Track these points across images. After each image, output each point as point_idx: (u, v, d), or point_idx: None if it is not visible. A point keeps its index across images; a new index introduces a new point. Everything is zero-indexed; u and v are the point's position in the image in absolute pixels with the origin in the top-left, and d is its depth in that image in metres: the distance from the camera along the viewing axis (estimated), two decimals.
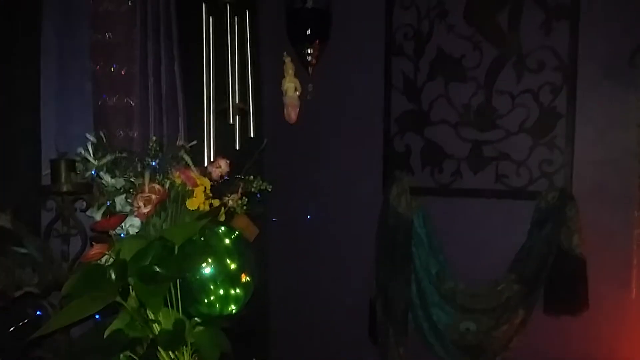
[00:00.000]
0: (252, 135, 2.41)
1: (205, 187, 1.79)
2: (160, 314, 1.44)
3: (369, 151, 2.73)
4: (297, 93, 2.50)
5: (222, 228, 1.74)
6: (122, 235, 1.57)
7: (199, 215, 1.70)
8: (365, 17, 2.72)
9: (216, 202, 1.84)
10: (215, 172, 1.89)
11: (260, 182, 1.99)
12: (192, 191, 1.76)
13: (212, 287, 1.64)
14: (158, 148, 1.82)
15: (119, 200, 1.68)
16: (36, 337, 1.32)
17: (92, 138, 1.77)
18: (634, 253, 2.23)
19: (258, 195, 2.01)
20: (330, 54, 2.68)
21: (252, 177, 1.98)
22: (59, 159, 1.79)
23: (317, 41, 2.59)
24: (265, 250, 2.94)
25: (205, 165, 2.06)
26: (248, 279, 1.72)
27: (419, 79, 2.61)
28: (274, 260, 2.99)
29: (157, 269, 1.36)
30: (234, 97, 2.33)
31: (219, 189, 1.92)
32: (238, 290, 1.69)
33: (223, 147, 2.32)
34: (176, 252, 1.49)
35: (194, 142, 1.99)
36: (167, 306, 1.50)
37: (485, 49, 2.46)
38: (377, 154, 2.71)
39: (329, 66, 2.70)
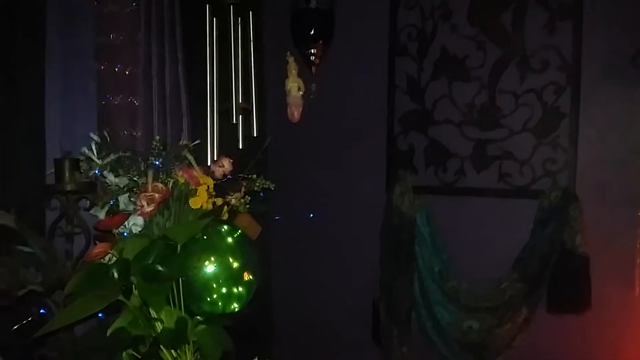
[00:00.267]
0: (255, 135, 2.42)
1: (208, 186, 1.80)
2: (163, 312, 1.45)
3: (372, 150, 2.73)
4: (301, 93, 2.51)
5: (225, 227, 1.75)
6: (125, 234, 1.58)
7: (202, 214, 1.71)
8: (369, 17, 2.72)
9: (219, 201, 1.85)
10: (219, 171, 1.91)
11: (263, 181, 2.00)
12: (195, 190, 1.77)
13: (214, 285, 1.65)
14: (161, 147, 1.83)
15: (123, 199, 1.69)
16: (40, 335, 1.33)
17: (96, 137, 1.79)
18: (637, 252, 2.22)
19: (261, 194, 2.02)
20: (334, 54, 2.69)
21: (255, 176, 1.99)
22: (63, 158, 1.81)
23: (321, 41, 2.60)
24: (268, 249, 2.95)
25: (209, 164, 2.07)
26: (250, 277, 1.73)
27: (422, 78, 2.61)
28: (276, 259, 3.00)
29: (160, 268, 1.37)
30: (237, 97, 2.34)
31: (222, 187, 1.93)
32: (240, 289, 1.70)
33: (226, 147, 2.34)
34: (179, 251, 1.50)
35: (197, 142, 2.00)
36: (170, 305, 1.52)
37: (489, 49, 2.46)
38: (380, 153, 2.71)
39: (333, 66, 2.71)
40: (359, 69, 2.75)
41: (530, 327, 2.35)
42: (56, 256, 1.67)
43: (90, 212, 1.79)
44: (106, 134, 1.86)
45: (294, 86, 2.45)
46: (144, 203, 1.60)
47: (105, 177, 1.73)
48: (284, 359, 3.02)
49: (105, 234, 1.59)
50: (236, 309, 1.71)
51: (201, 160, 2.09)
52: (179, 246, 1.50)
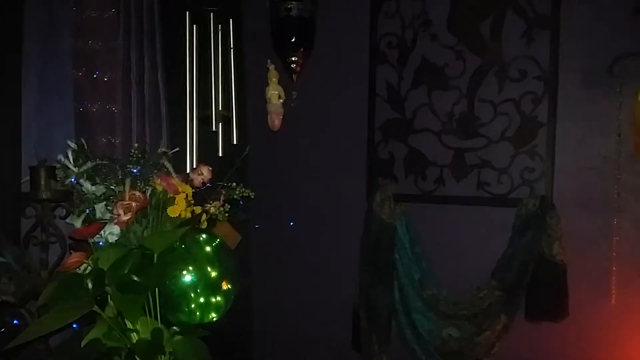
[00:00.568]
0: (235, 143, 2.41)
1: (186, 194, 1.79)
2: (139, 323, 1.43)
3: (353, 158, 2.74)
4: (281, 100, 2.50)
5: (203, 235, 1.74)
6: (100, 243, 1.57)
7: (180, 222, 1.70)
8: (350, 26, 2.74)
9: (198, 209, 1.84)
10: (197, 179, 1.89)
11: (243, 189, 1.99)
12: (174, 198, 1.76)
13: (192, 295, 1.65)
14: (140, 155, 1.82)
15: (99, 207, 1.68)
16: (14, 346, 1.30)
17: (72, 145, 1.77)
18: (614, 260, 2.25)
19: (241, 202, 2.02)
20: (315, 62, 2.69)
21: (234, 184, 1.98)
22: (38, 166, 1.79)
23: (302, 49, 2.60)
24: (249, 257, 2.94)
25: (188, 172, 2.06)
26: (229, 286, 1.72)
27: (402, 87, 2.63)
28: (257, 268, 2.99)
29: (136, 278, 1.36)
30: (217, 105, 2.33)
31: (201, 196, 1.92)
32: (219, 298, 1.69)
33: (206, 154, 2.32)
34: (155, 260, 1.48)
35: (177, 149, 1.99)
36: (146, 315, 1.50)
37: (468, 58, 2.48)
38: (360, 161, 2.72)
39: (314, 74, 2.71)
40: (339, 77, 2.75)
41: (509, 335, 2.36)
42: (30, 266, 1.64)
43: (66, 220, 1.77)
44: (83, 142, 1.84)
45: (274, 94, 2.45)
46: (121, 212, 1.59)
47: (81, 185, 1.71)
48: None
49: (80, 243, 1.57)
50: (214, 319, 1.70)
51: (181, 168, 2.08)
52: (155, 256, 1.48)
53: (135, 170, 1.77)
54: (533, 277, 2.29)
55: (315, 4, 2.42)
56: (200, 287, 1.65)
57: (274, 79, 2.46)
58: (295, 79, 2.64)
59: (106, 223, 1.58)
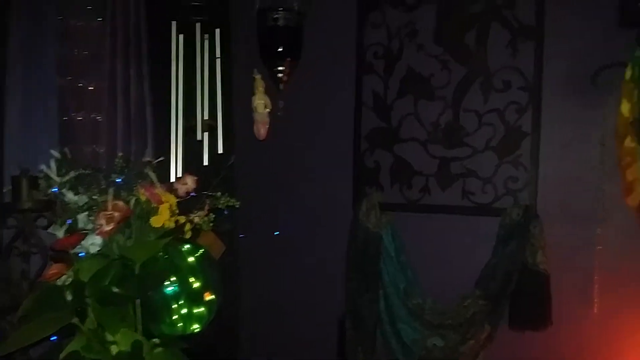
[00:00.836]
0: (220, 152, 2.41)
1: (170, 204, 1.78)
2: (119, 334, 1.42)
3: (339, 167, 2.74)
4: (267, 110, 2.50)
5: (187, 246, 1.73)
6: (82, 254, 1.56)
7: (164, 232, 1.69)
8: (337, 36, 2.75)
9: (182, 219, 1.83)
10: (182, 189, 1.88)
11: (228, 198, 1.98)
12: (157, 208, 1.75)
13: (174, 305, 1.63)
14: (124, 164, 1.81)
15: (82, 217, 1.66)
16: None
17: (56, 154, 1.76)
18: (596, 269, 2.27)
19: (225, 212, 2.01)
20: (302, 71, 2.70)
21: (219, 193, 1.98)
22: (20, 176, 1.78)
23: (289, 59, 2.60)
24: (235, 267, 2.93)
25: (172, 181, 2.05)
26: (212, 297, 1.71)
27: (388, 96, 2.64)
28: (244, 277, 2.98)
29: (116, 290, 1.35)
30: (202, 114, 2.33)
31: (186, 205, 1.91)
32: (202, 309, 1.68)
33: (192, 164, 2.32)
34: (137, 271, 1.48)
35: (161, 159, 1.98)
36: (127, 326, 1.49)
37: (453, 68, 2.51)
38: (347, 170, 2.73)
39: (301, 83, 2.72)
40: (326, 86, 2.77)
41: (493, 344, 2.38)
42: (10, 277, 1.63)
43: (49, 230, 1.76)
44: (67, 151, 1.83)
45: (260, 103, 2.45)
46: (103, 222, 1.57)
47: (64, 195, 1.70)
48: None
49: (61, 254, 1.56)
50: (197, 330, 1.69)
51: (166, 177, 2.07)
52: (137, 267, 1.47)
53: (118, 180, 1.75)
54: (517, 286, 2.31)
55: (302, 14, 2.43)
56: (183, 298, 1.63)
57: (260, 88, 2.46)
58: (282, 89, 2.64)
59: (87, 233, 1.57)
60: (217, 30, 2.32)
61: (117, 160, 1.80)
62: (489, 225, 2.40)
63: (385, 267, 2.53)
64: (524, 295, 2.29)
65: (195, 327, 1.66)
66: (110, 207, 1.62)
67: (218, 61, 2.36)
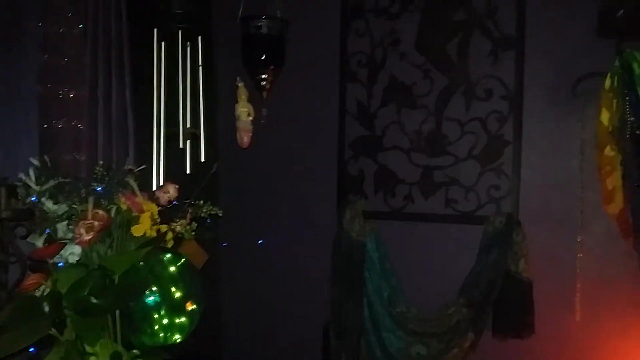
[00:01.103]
0: (203, 160, 2.40)
1: (152, 213, 1.76)
2: (98, 346, 1.40)
3: (322, 175, 2.75)
4: (250, 118, 2.49)
5: (168, 255, 1.71)
6: (60, 264, 1.53)
7: (145, 241, 1.67)
8: (320, 44, 2.76)
9: (164, 228, 1.81)
10: (163, 197, 1.87)
11: (210, 207, 1.97)
12: (139, 217, 1.73)
13: (155, 316, 1.61)
14: (104, 172, 1.79)
15: (61, 227, 1.64)
16: None
17: (35, 162, 1.73)
18: (578, 277, 2.29)
19: (208, 221, 1.99)
20: (285, 79, 2.69)
21: (201, 202, 1.96)
22: None
23: (272, 66, 2.60)
24: (218, 276, 2.91)
25: (154, 190, 2.03)
26: (194, 307, 1.70)
27: (372, 105, 2.66)
28: (227, 286, 2.96)
29: (95, 300, 1.33)
30: (184, 122, 2.32)
31: (168, 214, 1.89)
32: (183, 319, 1.66)
33: (174, 172, 2.30)
34: (116, 281, 1.46)
35: (143, 167, 1.96)
36: (108, 336, 1.47)
37: (436, 77, 2.53)
38: (331, 178, 2.73)
39: (284, 91, 2.71)
40: (310, 94, 2.77)
41: (477, 352, 2.38)
42: None
43: (28, 240, 1.73)
44: (47, 159, 1.80)
45: (243, 111, 2.44)
46: (82, 231, 1.55)
47: (43, 204, 1.67)
48: None
49: (40, 264, 1.53)
50: (179, 340, 1.67)
51: (148, 185, 2.05)
52: (116, 277, 1.45)
53: (99, 189, 1.73)
54: (500, 294, 2.32)
55: (285, 22, 2.43)
56: (164, 308, 1.61)
57: (243, 97, 2.45)
58: (265, 97, 2.64)
59: (66, 243, 1.55)
60: (199, 38, 2.31)
61: (97, 168, 1.78)
62: (472, 233, 2.41)
63: (369, 275, 2.53)
64: (507, 303, 2.31)
65: (177, 337, 1.64)
66: (90, 216, 1.60)
67: (200, 69, 2.35)
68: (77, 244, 1.58)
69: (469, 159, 2.46)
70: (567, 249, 2.31)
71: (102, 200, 1.71)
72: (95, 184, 1.74)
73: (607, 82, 2.17)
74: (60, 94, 2.14)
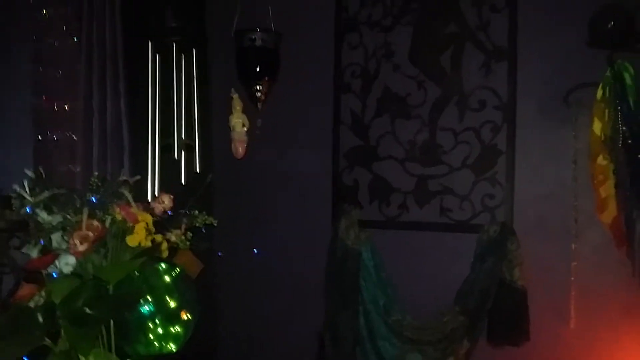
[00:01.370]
0: (198, 171, 2.41)
1: (147, 223, 1.77)
2: (92, 356, 1.40)
3: (318, 185, 2.76)
4: (245, 129, 2.50)
5: (163, 265, 1.71)
6: (54, 274, 1.53)
7: (140, 252, 1.67)
8: (314, 55, 2.78)
9: (159, 238, 1.81)
10: (158, 208, 1.87)
11: (205, 216, 1.97)
12: (133, 227, 1.73)
13: (150, 325, 1.61)
14: (99, 183, 1.79)
15: (55, 237, 1.64)
16: None
17: (30, 173, 1.73)
18: (572, 285, 2.30)
19: (203, 230, 1.99)
20: (280, 91, 2.71)
21: (197, 212, 1.96)
22: None
23: (266, 78, 2.61)
24: (214, 285, 2.90)
25: (149, 200, 2.04)
26: (188, 316, 1.70)
27: (366, 115, 2.67)
28: (223, 296, 2.95)
29: (89, 311, 1.33)
30: (179, 133, 2.33)
31: (163, 224, 1.90)
32: (178, 329, 1.66)
33: (169, 183, 2.31)
34: (111, 292, 1.46)
35: (138, 177, 1.96)
36: (102, 346, 1.47)
37: (429, 88, 2.55)
38: (326, 188, 2.74)
39: (279, 102, 2.73)
40: (304, 105, 2.79)
41: (472, 359, 2.38)
42: None
43: (22, 250, 1.73)
44: (41, 170, 1.81)
45: (238, 122, 2.45)
46: (77, 242, 1.55)
47: (37, 215, 1.67)
48: None
49: (34, 275, 1.53)
50: (173, 350, 1.66)
51: (143, 196, 2.05)
52: (110, 287, 1.45)
53: (94, 199, 1.74)
54: (495, 302, 2.32)
55: (279, 34, 2.46)
56: (159, 318, 1.61)
57: (237, 108, 2.46)
58: (260, 108, 2.65)
59: (59, 254, 1.55)
60: (193, 50, 2.33)
61: (92, 179, 1.78)
62: (466, 242, 2.42)
63: (365, 284, 2.53)
64: (502, 311, 2.31)
65: (172, 346, 1.64)
66: (84, 226, 1.61)
67: (194, 81, 2.37)
68: (71, 254, 1.58)
69: (463, 168, 2.48)
70: (562, 257, 2.32)
71: (96, 210, 1.71)
72: (90, 195, 1.74)
73: (599, 93, 2.19)
74: (54, 106, 2.14)
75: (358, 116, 2.68)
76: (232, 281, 2.93)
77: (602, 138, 2.20)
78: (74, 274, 1.57)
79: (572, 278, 2.30)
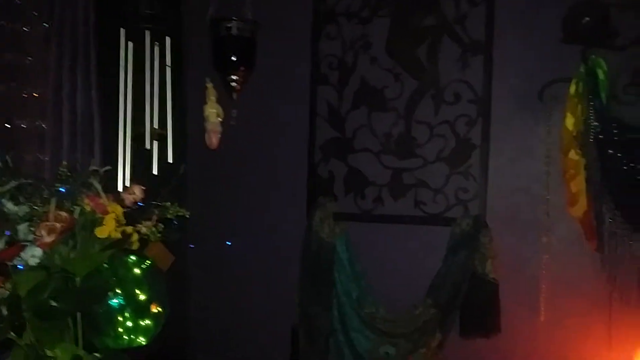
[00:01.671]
0: (170, 161, 2.37)
1: (116, 214, 1.74)
2: (59, 349, 1.37)
3: (293, 177, 2.74)
4: (219, 119, 2.47)
5: (132, 257, 1.68)
6: (20, 266, 1.49)
7: (109, 243, 1.65)
8: (292, 46, 2.76)
9: (129, 230, 1.79)
10: (129, 199, 1.84)
11: (177, 208, 1.95)
12: (103, 218, 1.70)
13: (119, 318, 1.59)
14: (69, 173, 1.75)
15: (22, 228, 1.60)
16: None
17: None
18: (543, 278, 2.33)
19: (175, 222, 1.97)
20: (256, 81, 2.68)
21: (168, 203, 1.94)
22: None
23: (243, 68, 2.58)
24: (186, 278, 2.88)
25: (120, 191, 2.00)
26: (159, 309, 1.68)
27: (343, 107, 2.67)
28: (195, 288, 2.93)
29: (54, 303, 1.30)
30: (151, 123, 2.28)
31: (133, 215, 1.87)
32: (147, 322, 1.64)
33: (141, 173, 2.27)
34: (78, 284, 1.43)
35: (108, 168, 1.93)
36: (69, 339, 1.44)
37: (406, 80, 2.55)
38: (301, 180, 2.73)
39: (255, 93, 2.70)
40: (280, 96, 2.77)
41: (444, 351, 2.41)
42: None
43: None
44: (8, 159, 1.76)
45: (212, 112, 2.41)
46: (44, 233, 1.52)
47: (3, 205, 1.63)
48: None
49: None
50: (143, 343, 1.64)
51: (114, 186, 2.02)
52: (77, 279, 1.43)
53: (62, 189, 1.70)
54: (467, 294, 2.35)
55: (256, 24, 2.42)
56: (128, 311, 1.59)
57: (212, 97, 2.42)
58: (235, 98, 2.62)
59: (25, 245, 1.51)
60: (167, 39, 2.28)
61: (61, 169, 1.74)
62: (440, 235, 2.44)
63: (339, 277, 2.53)
64: (474, 304, 2.34)
65: (142, 340, 1.62)
66: (51, 217, 1.57)
67: (168, 69, 2.33)
68: (38, 246, 1.55)
69: (438, 161, 2.49)
70: (533, 251, 2.35)
71: (65, 201, 1.68)
72: (59, 185, 1.70)
73: (572, 88, 2.22)
74: (23, 93, 2.09)
75: (334, 108, 2.67)
76: (204, 274, 2.91)
77: (575, 133, 2.22)
78: (41, 266, 1.54)
79: (543, 271, 2.34)
